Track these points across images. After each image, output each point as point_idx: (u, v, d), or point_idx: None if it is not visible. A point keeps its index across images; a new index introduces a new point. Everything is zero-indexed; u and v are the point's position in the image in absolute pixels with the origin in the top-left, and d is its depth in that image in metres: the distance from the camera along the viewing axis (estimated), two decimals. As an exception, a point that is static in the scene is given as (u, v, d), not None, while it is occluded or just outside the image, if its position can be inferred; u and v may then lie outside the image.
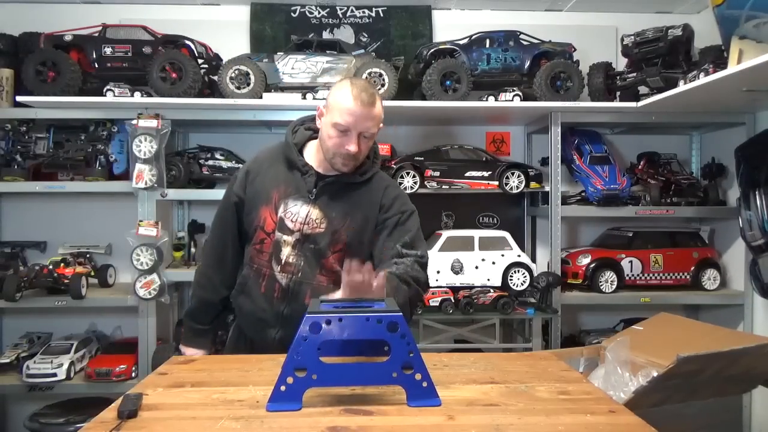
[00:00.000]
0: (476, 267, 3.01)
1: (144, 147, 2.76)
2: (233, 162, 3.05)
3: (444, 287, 2.96)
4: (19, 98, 2.77)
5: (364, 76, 2.84)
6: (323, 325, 1.16)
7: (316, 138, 1.84)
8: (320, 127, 1.77)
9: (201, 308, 1.93)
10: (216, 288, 1.89)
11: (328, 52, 2.93)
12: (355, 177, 1.79)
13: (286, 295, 1.74)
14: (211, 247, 1.94)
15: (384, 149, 2.97)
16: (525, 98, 2.92)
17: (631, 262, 3.07)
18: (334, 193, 1.78)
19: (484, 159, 3.13)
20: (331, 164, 1.76)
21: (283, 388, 1.15)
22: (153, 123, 2.77)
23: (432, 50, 2.97)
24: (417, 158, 3.05)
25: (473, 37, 3.02)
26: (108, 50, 2.82)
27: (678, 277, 3.10)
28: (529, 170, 3.08)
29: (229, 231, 1.87)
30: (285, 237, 1.75)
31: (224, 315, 1.97)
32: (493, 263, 3.01)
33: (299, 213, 1.75)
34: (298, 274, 1.74)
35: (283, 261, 1.75)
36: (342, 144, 1.69)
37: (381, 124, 1.77)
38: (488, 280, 3.00)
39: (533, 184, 3.07)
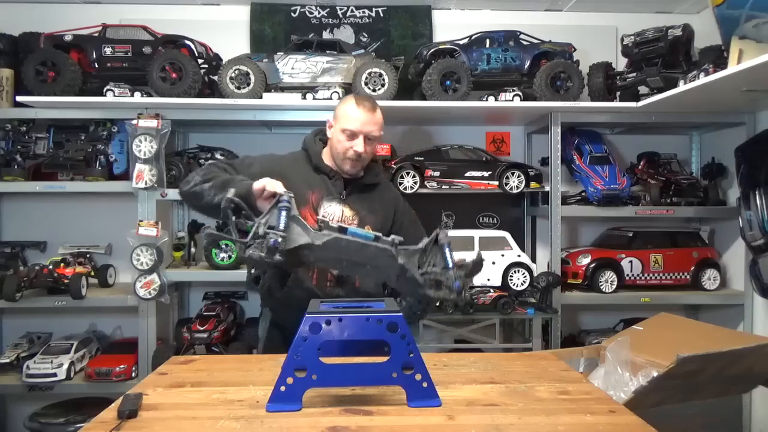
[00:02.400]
0: (476, 267, 3.01)
1: (144, 147, 2.76)
2: (233, 162, 3.05)
3: (444, 287, 2.95)
4: (19, 98, 2.77)
5: (364, 76, 2.84)
6: (323, 326, 1.16)
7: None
8: (330, 136, 2.02)
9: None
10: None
11: (328, 52, 2.93)
12: (372, 178, 2.09)
13: (339, 282, 1.93)
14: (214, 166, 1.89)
15: (384, 149, 2.98)
16: (525, 98, 2.92)
17: (631, 262, 3.07)
18: (360, 193, 2.05)
19: (484, 159, 3.13)
20: (339, 167, 2.00)
21: (282, 388, 1.16)
22: (153, 123, 2.77)
23: (432, 50, 2.97)
24: (417, 158, 3.05)
25: (473, 37, 3.02)
26: (108, 50, 2.82)
27: (678, 277, 3.10)
28: (529, 170, 3.08)
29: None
30: None
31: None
32: (493, 263, 3.01)
33: (335, 212, 1.97)
34: None
35: None
36: (350, 147, 1.95)
37: (382, 132, 2.03)
38: (488, 280, 3.00)
39: (533, 184, 3.07)
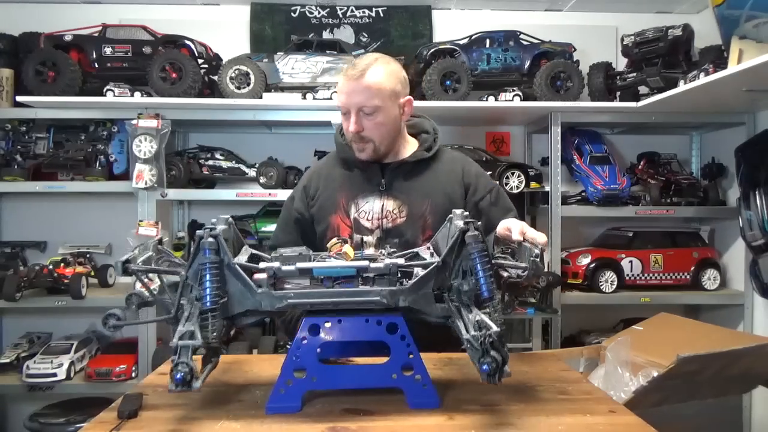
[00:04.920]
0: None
1: (144, 147, 2.76)
2: (233, 162, 3.05)
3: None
4: (19, 98, 2.77)
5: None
6: (322, 327, 1.16)
7: None
8: None
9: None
10: None
11: (328, 52, 2.93)
12: (422, 154, 1.71)
13: None
14: None
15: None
16: (525, 98, 2.92)
17: (631, 262, 3.07)
18: (405, 177, 1.69)
19: (484, 159, 3.13)
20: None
21: (282, 390, 1.15)
22: (153, 123, 2.77)
23: (432, 50, 2.97)
24: (417, 158, 3.04)
25: (473, 37, 3.02)
26: (108, 50, 2.82)
27: (678, 277, 3.10)
28: (529, 170, 3.07)
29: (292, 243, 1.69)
30: (365, 238, 1.65)
31: None
32: (493, 263, 3.00)
33: (373, 209, 1.66)
34: None
35: None
36: (347, 126, 1.62)
37: (405, 97, 1.67)
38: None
39: (533, 184, 3.07)
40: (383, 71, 1.61)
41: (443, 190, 1.69)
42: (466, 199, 1.71)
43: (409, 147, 1.76)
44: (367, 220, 1.67)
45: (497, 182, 1.79)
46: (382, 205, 1.66)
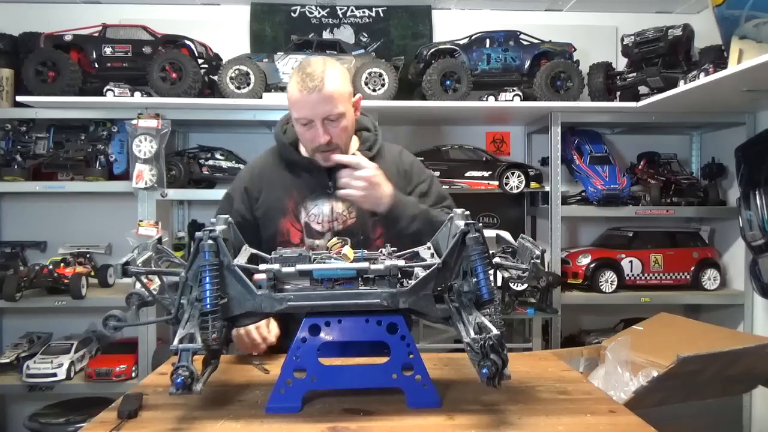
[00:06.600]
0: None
1: (144, 147, 2.76)
2: (233, 162, 3.05)
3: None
4: (19, 98, 2.76)
5: (364, 76, 2.84)
6: (323, 327, 1.16)
7: None
8: (294, 125, 1.66)
9: None
10: None
11: (328, 52, 2.93)
12: (365, 154, 1.69)
13: None
14: None
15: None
16: (525, 98, 2.92)
17: (631, 262, 3.07)
18: None
19: (484, 159, 3.13)
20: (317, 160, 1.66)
21: (282, 390, 1.15)
22: (153, 123, 2.77)
23: (432, 50, 2.96)
24: (417, 158, 3.04)
25: (473, 37, 3.02)
26: (108, 50, 2.82)
27: (678, 277, 3.10)
28: (529, 170, 3.07)
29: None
30: (316, 242, 1.66)
31: None
32: (493, 263, 3.00)
33: (323, 212, 1.66)
34: None
35: None
36: (313, 137, 1.58)
37: (355, 96, 1.65)
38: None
39: (533, 184, 3.07)
40: (338, 75, 1.58)
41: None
42: (411, 192, 1.72)
43: (353, 146, 1.75)
44: (318, 223, 1.67)
45: (435, 173, 1.79)
46: (332, 208, 1.66)
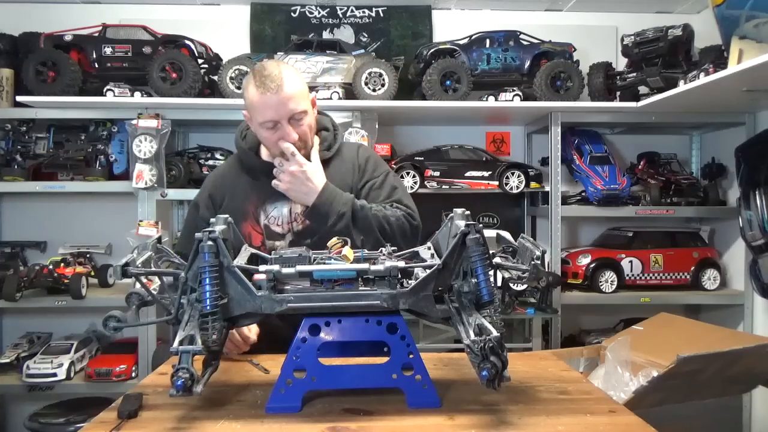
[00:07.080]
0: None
1: (144, 147, 2.76)
2: (233, 162, 3.05)
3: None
4: (19, 98, 2.77)
5: (364, 76, 2.84)
6: (322, 327, 1.16)
7: None
8: (255, 131, 1.69)
9: None
10: None
11: (328, 52, 2.93)
12: (323, 154, 1.72)
13: None
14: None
15: (384, 149, 2.98)
16: (525, 98, 2.92)
17: (631, 262, 3.07)
18: None
19: (484, 159, 3.13)
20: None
21: (282, 390, 1.15)
22: (153, 123, 2.77)
23: (432, 50, 2.97)
24: (417, 158, 3.05)
25: (473, 37, 3.02)
26: (108, 50, 2.82)
27: (678, 277, 3.10)
28: (529, 170, 3.08)
29: None
30: (277, 243, 1.69)
31: None
32: (493, 263, 3.01)
33: (282, 214, 1.69)
34: None
35: None
36: (280, 138, 1.60)
37: (312, 94, 1.68)
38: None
39: (533, 184, 3.07)
40: (295, 75, 1.63)
41: (345, 183, 1.71)
42: (362, 187, 1.73)
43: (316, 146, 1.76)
44: (278, 225, 1.69)
45: (391, 169, 1.81)
46: (290, 209, 1.69)
